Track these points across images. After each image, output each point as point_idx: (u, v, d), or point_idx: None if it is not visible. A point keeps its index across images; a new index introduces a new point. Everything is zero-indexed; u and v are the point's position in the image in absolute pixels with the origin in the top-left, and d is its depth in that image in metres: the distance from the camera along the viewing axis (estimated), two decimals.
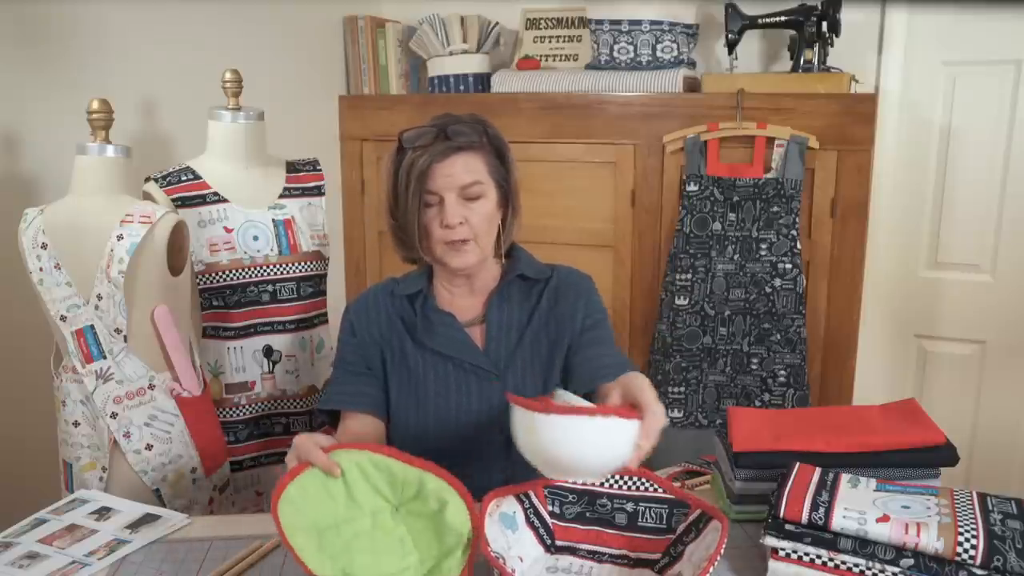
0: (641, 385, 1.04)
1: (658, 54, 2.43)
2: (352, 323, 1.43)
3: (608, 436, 0.95)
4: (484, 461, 1.34)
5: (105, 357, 1.46)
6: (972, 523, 1.01)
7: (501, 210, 1.38)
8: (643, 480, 1.15)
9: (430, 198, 1.31)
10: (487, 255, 1.37)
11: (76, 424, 1.50)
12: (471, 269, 1.37)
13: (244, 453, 1.78)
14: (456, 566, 1.06)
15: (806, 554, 1.04)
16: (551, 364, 1.38)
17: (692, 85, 2.45)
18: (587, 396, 1.21)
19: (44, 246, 1.44)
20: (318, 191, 1.84)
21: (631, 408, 1.01)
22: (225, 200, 1.72)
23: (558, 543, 1.14)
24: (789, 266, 2.24)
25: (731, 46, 2.39)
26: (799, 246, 2.24)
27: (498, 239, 1.39)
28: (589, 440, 0.95)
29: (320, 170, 1.87)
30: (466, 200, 1.31)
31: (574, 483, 1.16)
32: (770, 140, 2.24)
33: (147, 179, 1.71)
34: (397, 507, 1.11)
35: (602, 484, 1.16)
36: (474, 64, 2.64)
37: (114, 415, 1.47)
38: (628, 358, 1.41)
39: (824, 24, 2.28)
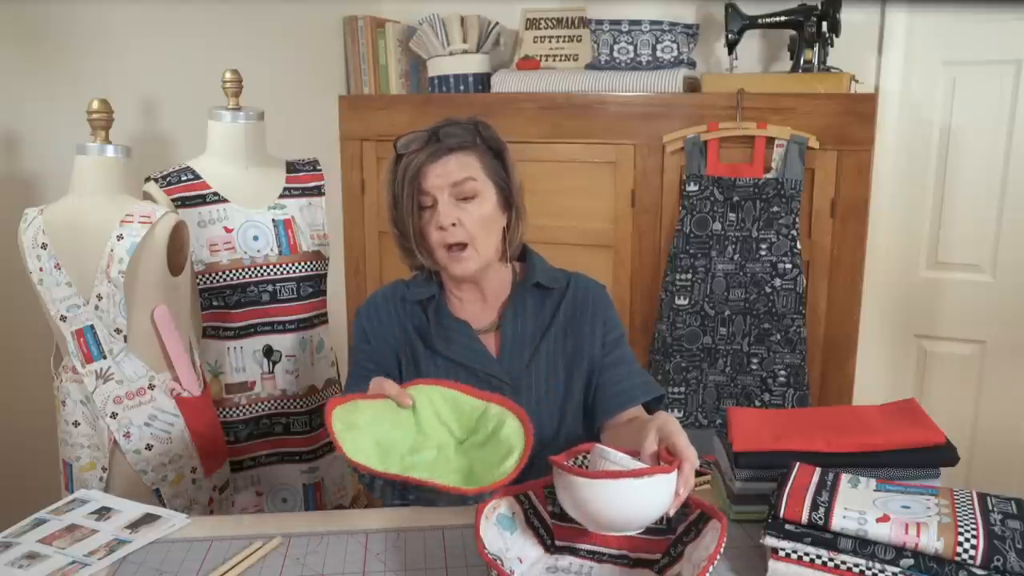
0: (674, 429, 1.07)
1: (658, 54, 2.43)
2: (365, 329, 1.42)
3: (649, 493, 0.99)
4: None
5: (105, 357, 1.46)
6: (972, 523, 1.01)
7: (505, 214, 1.37)
8: None
9: (424, 199, 1.31)
10: (489, 260, 1.35)
11: (76, 424, 1.50)
12: (474, 276, 1.36)
13: (244, 453, 1.78)
14: (502, 474, 1.11)
15: (806, 554, 1.04)
16: (569, 379, 1.37)
17: (692, 85, 2.45)
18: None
19: (44, 246, 1.44)
20: (318, 191, 1.84)
21: (668, 454, 1.05)
22: (225, 200, 1.72)
23: (558, 543, 1.14)
24: (789, 266, 2.24)
25: (731, 46, 2.39)
26: (799, 246, 2.24)
27: (504, 244, 1.38)
28: (631, 501, 0.98)
29: (320, 170, 1.86)
30: (460, 200, 1.30)
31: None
32: (770, 140, 2.24)
33: (147, 179, 1.71)
34: (461, 441, 1.20)
35: None
36: (474, 64, 2.64)
37: (114, 415, 1.47)
38: (649, 374, 1.41)
39: (824, 24, 2.28)
